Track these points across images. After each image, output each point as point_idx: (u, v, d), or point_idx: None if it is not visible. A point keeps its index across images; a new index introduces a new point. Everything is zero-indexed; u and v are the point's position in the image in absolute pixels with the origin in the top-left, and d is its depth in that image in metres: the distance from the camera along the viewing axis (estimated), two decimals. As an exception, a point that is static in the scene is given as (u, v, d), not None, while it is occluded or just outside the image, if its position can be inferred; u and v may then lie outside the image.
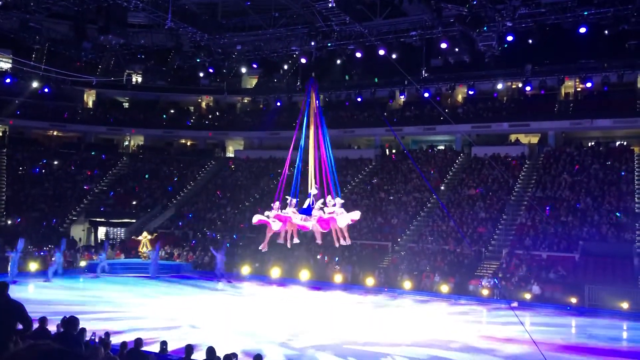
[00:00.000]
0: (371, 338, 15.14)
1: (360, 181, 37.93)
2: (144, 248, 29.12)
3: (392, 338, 15.19)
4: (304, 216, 13.32)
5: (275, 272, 26.68)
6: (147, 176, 41.84)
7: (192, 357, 9.09)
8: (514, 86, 38.48)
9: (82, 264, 28.10)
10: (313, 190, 13.85)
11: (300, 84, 40.07)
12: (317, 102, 14.32)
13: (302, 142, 14.32)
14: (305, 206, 13.64)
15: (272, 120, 43.40)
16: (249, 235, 32.96)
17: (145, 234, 29.84)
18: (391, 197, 34.20)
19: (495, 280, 23.63)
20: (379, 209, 33.25)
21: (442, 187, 34.20)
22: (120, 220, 37.13)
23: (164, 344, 9.86)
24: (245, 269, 28.14)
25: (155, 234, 30.63)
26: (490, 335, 16.17)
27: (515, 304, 21.74)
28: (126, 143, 47.66)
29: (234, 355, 8.68)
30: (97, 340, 9.44)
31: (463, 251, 27.08)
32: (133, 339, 9.38)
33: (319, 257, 28.18)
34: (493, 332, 16.64)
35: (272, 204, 13.75)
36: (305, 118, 14.00)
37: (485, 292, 23.48)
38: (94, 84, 38.43)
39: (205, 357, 8.63)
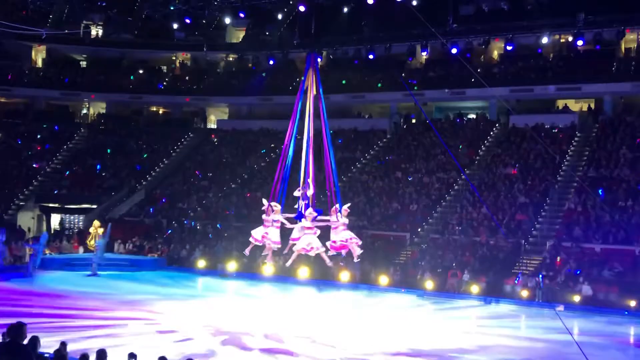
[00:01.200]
0: (394, 347, 15.28)
1: (372, 158, 37.89)
2: (93, 241, 29.15)
3: (406, 348, 15.31)
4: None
5: (268, 269, 26.80)
6: (110, 152, 41.81)
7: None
8: (562, 40, 38.16)
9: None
10: (308, 189, 14.86)
11: (298, 38, 39.83)
12: (318, 83, 14.84)
13: (303, 135, 15.00)
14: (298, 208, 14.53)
15: (264, 82, 43.23)
16: (235, 224, 33.07)
17: (96, 223, 29.85)
18: (410, 178, 34.19)
19: (539, 277, 23.73)
20: (395, 193, 33.28)
21: (473, 165, 34.11)
22: (77, 206, 37.24)
23: (132, 355, 9.94)
24: (232, 265, 28.31)
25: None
26: (530, 347, 16.27)
27: (561, 308, 21.86)
28: (84, 111, 47.57)
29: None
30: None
31: (498, 244, 27.13)
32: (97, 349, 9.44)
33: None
34: (533, 343, 16.74)
35: (266, 208, 14.64)
36: (306, 99, 14.51)
37: (524, 293, 23.60)
38: (44, 38, 38.17)
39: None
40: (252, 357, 14.09)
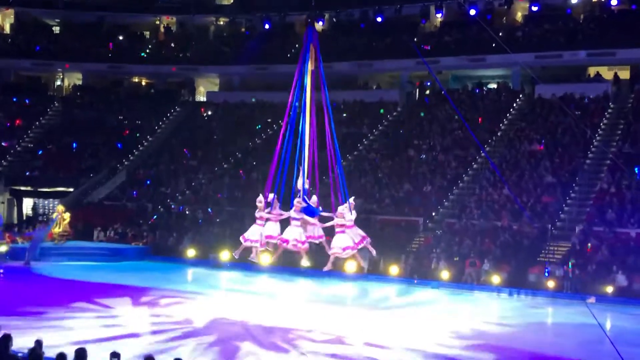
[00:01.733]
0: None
1: (381, 133, 37.79)
2: (57, 228, 29.11)
3: (423, 346, 15.35)
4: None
5: (265, 258, 26.72)
6: (87, 128, 41.70)
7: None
8: (594, -1, 37.91)
9: (2, 248, 28.31)
10: (303, 183, 15.37)
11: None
12: (319, 63, 15.25)
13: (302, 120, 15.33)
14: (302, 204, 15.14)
15: (259, 49, 42.94)
16: (227, 208, 33.05)
17: (59, 208, 29.76)
18: (423, 156, 34.10)
19: (569, 265, 23.70)
20: (407, 173, 33.20)
21: (494, 141, 33.98)
22: (52, 190, 37.24)
23: (114, 354, 9.92)
24: (225, 255, 28.32)
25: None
26: (558, 342, 16.26)
27: (592, 300, 21.84)
28: (58, 83, 47.39)
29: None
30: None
31: (521, 229, 27.09)
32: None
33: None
34: (561, 339, 16.74)
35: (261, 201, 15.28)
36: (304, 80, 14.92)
37: (551, 283, 23.60)
38: (12, 1, 37.95)
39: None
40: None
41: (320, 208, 15.83)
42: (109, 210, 35.03)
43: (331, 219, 15.31)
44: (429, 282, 25.22)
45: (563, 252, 25.73)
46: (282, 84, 41.79)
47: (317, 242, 15.88)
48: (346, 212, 15.16)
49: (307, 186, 15.63)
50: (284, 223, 15.26)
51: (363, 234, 15.93)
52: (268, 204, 15.49)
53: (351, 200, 15.25)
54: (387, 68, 41.56)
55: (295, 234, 15.33)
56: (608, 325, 18.82)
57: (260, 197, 15.90)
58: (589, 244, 25.42)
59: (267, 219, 15.74)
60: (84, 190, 37.17)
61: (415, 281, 25.48)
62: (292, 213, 15.50)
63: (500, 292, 23.99)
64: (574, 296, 22.41)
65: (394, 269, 25.93)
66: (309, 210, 15.55)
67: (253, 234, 15.87)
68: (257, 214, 16.11)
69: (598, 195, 28.33)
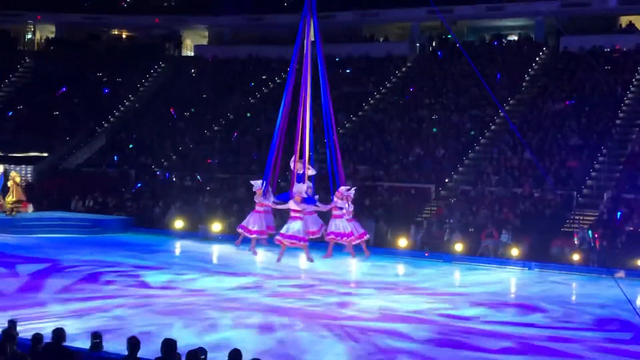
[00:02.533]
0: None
1: (389, 92, 37.64)
2: (11, 197, 28.71)
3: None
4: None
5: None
6: (64, 88, 41.57)
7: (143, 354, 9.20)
8: None
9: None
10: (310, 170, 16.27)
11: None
12: (315, 32, 15.95)
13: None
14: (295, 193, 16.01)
15: (252, -3, 42.68)
16: (219, 175, 33.04)
17: (13, 174, 29.41)
18: (435, 117, 33.98)
19: (588, 235, 23.74)
20: (417, 135, 33.13)
21: (514, 100, 33.83)
22: (24, 155, 37.21)
23: (96, 336, 9.98)
24: (216, 226, 28.38)
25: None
26: (583, 321, 16.35)
27: (621, 274, 21.88)
28: (29, 36, 47.06)
29: (202, 350, 8.85)
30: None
31: (544, 197, 27.10)
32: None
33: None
34: (587, 317, 16.82)
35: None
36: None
37: (575, 256, 23.64)
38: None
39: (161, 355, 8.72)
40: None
41: (317, 197, 16.77)
42: (88, 177, 35.05)
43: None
44: (441, 256, 25.25)
45: (590, 222, 25.78)
46: (278, 37, 41.96)
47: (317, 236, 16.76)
48: (340, 200, 15.99)
49: (311, 172, 16.45)
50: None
51: (362, 230, 16.74)
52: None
53: (344, 190, 16.07)
54: (395, 18, 41.32)
55: (295, 229, 16.04)
56: (639, 302, 18.87)
57: (258, 183, 16.52)
58: (619, 213, 25.43)
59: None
60: (60, 155, 37.16)
61: (427, 254, 25.53)
62: (291, 204, 16.23)
63: (520, 266, 24.03)
64: (601, 270, 22.46)
65: (402, 242, 25.97)
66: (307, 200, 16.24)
67: (253, 224, 16.55)
68: (256, 200, 16.60)
69: (629, 159, 28.29)
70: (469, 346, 13.81)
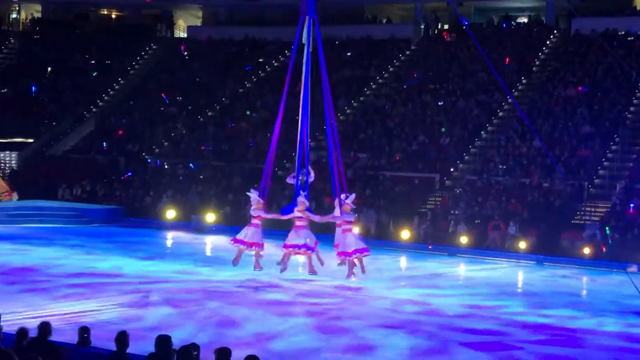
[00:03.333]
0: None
1: (392, 76, 37.63)
2: None
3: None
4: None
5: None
6: (48, 69, 41.56)
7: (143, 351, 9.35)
8: None
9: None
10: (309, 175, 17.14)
11: None
12: (317, 36, 17.07)
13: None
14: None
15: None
16: (213, 163, 33.14)
17: None
18: (441, 103, 34.03)
19: (596, 229, 23.89)
20: (422, 121, 33.18)
21: (523, 85, 33.87)
22: (9, 140, 37.23)
23: (84, 331, 10.11)
24: (210, 217, 28.51)
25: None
26: (593, 316, 16.48)
27: (633, 269, 22.04)
28: (14, 15, 46.95)
29: (194, 346, 8.99)
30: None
31: (554, 187, 27.20)
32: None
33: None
34: (597, 313, 16.93)
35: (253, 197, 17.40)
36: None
37: (586, 250, 23.80)
38: None
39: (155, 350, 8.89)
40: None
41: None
42: (75, 164, 35.09)
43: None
44: (445, 249, 25.40)
45: (601, 214, 25.89)
46: (276, 18, 41.96)
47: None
48: (340, 208, 16.98)
49: (310, 178, 17.32)
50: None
51: (363, 245, 17.66)
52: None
53: (349, 199, 17.13)
54: (399, -2, 41.26)
55: (301, 239, 16.88)
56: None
57: (254, 195, 17.04)
58: (632, 204, 25.55)
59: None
60: (46, 141, 37.18)
61: (430, 247, 25.67)
62: (295, 213, 17.01)
63: (527, 260, 24.19)
64: (612, 264, 22.62)
65: (405, 234, 26.09)
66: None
67: (249, 237, 17.29)
68: (254, 213, 17.00)
69: (643, 149, 28.40)
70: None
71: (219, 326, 14.43)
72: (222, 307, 16.11)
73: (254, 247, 17.44)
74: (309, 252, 17.26)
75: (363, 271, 17.75)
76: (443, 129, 32.26)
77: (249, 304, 16.50)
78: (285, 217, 17.88)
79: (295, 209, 17.23)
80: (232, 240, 17.97)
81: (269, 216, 17.71)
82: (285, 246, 17.38)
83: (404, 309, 16.61)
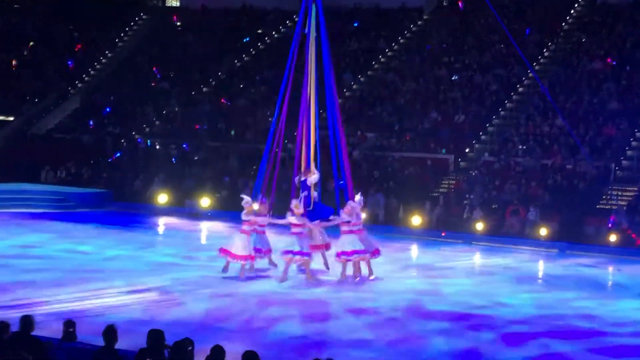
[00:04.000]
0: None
1: (402, 48, 37.49)
2: None
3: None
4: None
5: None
6: (29, 42, 41.45)
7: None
8: None
9: None
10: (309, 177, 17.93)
11: None
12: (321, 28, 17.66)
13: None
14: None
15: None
16: (209, 143, 33.08)
17: None
18: (455, 77, 33.92)
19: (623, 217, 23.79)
20: (434, 97, 33.08)
21: (546, 58, 33.73)
22: (-12, 118, 37.30)
23: (69, 324, 10.07)
24: (205, 201, 28.49)
25: None
26: (618, 311, 16.43)
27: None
28: (-9, -17, 46.79)
29: (189, 341, 8.98)
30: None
31: (578, 169, 27.12)
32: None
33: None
34: (621, 308, 16.90)
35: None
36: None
37: (612, 237, 23.72)
38: None
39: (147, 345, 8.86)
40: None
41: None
42: (60, 144, 35.07)
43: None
44: (460, 236, 25.36)
45: (629, 198, 25.84)
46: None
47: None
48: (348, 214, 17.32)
49: (315, 178, 17.97)
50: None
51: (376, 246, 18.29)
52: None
53: (355, 204, 17.60)
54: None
55: (298, 245, 17.03)
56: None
57: (247, 199, 17.18)
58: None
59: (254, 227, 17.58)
60: (28, 119, 37.14)
61: (443, 234, 25.63)
62: (290, 219, 17.21)
63: (549, 248, 24.12)
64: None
65: (416, 220, 26.04)
66: (316, 213, 17.70)
67: (238, 248, 17.30)
68: (245, 217, 17.03)
69: (675, 127, 28.30)
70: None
71: (213, 319, 14.41)
72: (216, 297, 16.12)
73: (237, 260, 17.47)
74: (305, 257, 17.28)
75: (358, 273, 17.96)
76: (455, 77, 32.23)
77: (243, 294, 16.55)
78: (280, 222, 18.11)
79: (288, 214, 17.52)
80: (219, 250, 17.98)
81: (256, 220, 17.71)
82: (283, 253, 17.49)
83: (413, 299, 16.56)
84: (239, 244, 17.48)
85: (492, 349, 13.24)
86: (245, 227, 17.66)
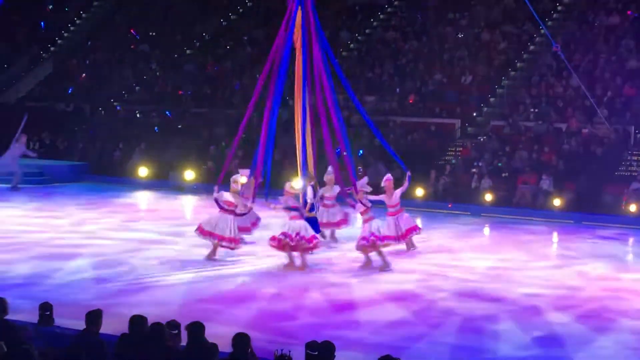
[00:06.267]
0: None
1: (403, 3, 37.27)
2: None
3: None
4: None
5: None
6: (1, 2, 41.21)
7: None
8: None
9: None
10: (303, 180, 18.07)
11: None
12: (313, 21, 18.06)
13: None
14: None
15: None
16: (193, 110, 33.05)
17: None
18: (460, 35, 33.81)
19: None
20: (438, 58, 33.00)
21: (558, 13, 33.59)
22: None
23: (46, 308, 10.15)
24: (189, 174, 28.50)
25: None
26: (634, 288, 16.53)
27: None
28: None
29: (173, 324, 9.12)
30: None
31: (594, 133, 27.15)
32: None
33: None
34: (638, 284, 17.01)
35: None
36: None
37: (632, 207, 23.79)
38: None
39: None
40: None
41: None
42: (32, 113, 34.93)
43: None
44: (467, 207, 25.47)
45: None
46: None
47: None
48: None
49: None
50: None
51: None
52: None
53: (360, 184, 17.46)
54: None
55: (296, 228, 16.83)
56: None
57: (236, 177, 17.81)
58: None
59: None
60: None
61: (450, 205, 25.72)
62: (286, 202, 17.34)
63: (564, 219, 24.20)
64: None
65: (419, 191, 26.09)
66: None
67: (219, 227, 17.26)
68: (229, 197, 17.35)
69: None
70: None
71: (208, 302, 14.50)
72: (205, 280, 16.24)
73: (210, 238, 17.37)
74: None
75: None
76: (460, 35, 32.33)
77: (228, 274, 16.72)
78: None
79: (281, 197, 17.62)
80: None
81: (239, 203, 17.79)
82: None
83: (417, 279, 16.69)
84: (212, 220, 17.51)
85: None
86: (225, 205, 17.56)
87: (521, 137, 28.06)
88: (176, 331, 9.04)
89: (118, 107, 34.87)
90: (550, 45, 30.36)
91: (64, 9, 41.46)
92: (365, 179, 18.13)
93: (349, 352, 10.84)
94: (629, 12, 31.94)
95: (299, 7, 18.15)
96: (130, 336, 8.99)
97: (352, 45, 35.23)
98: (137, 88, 35.99)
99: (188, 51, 37.62)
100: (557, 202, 24.61)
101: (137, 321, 9.11)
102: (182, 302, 14.28)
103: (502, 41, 32.91)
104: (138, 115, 34.22)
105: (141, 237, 20.39)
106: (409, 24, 35.60)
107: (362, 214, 17.31)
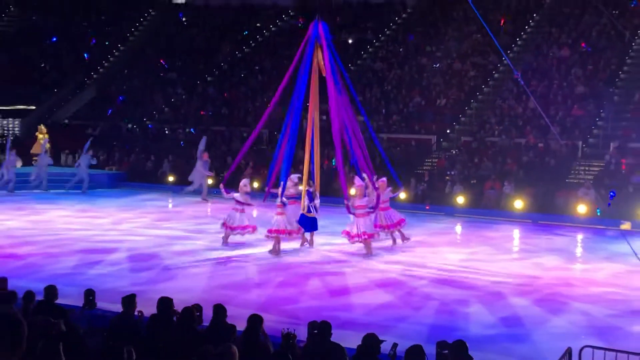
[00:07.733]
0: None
1: (388, 39, 37.35)
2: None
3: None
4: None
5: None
6: (54, 39, 41.23)
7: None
8: None
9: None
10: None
11: None
12: (326, 54, 17.93)
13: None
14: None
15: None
16: (213, 127, 33.03)
17: (41, 128, 29.79)
18: (437, 65, 33.78)
19: (611, 193, 23.66)
20: (418, 83, 32.99)
21: (518, 46, 33.62)
22: (11, 107, 37.02)
23: (89, 293, 10.08)
24: (210, 181, 28.39)
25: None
26: (589, 279, 16.44)
27: (626, 226, 21.99)
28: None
29: (197, 307, 9.02)
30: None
31: (548, 147, 27.11)
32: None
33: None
34: (591, 274, 16.90)
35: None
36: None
37: (581, 208, 23.70)
38: None
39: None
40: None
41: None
42: (78, 130, 34.97)
43: None
44: (442, 208, 25.41)
45: (595, 173, 25.84)
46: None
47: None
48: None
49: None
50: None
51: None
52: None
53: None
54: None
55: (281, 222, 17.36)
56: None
57: (244, 182, 18.26)
58: (625, 162, 25.47)
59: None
60: (48, 108, 37.02)
61: (428, 207, 25.64)
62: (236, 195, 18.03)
63: (523, 219, 24.16)
64: (606, 222, 22.56)
65: (402, 194, 25.93)
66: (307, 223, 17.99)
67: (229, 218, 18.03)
68: (240, 197, 18.09)
69: (637, 107, 28.24)
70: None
71: (225, 288, 14.40)
72: (223, 270, 16.11)
73: (236, 231, 18.09)
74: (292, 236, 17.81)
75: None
76: (436, 65, 32.17)
77: (257, 267, 16.52)
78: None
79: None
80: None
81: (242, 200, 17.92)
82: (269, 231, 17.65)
83: (401, 269, 16.57)
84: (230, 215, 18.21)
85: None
86: (237, 205, 18.31)
87: (487, 150, 28.01)
88: (198, 313, 9.00)
89: (150, 126, 34.81)
90: (512, 74, 30.48)
91: (105, 42, 41.42)
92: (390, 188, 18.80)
93: (344, 331, 10.75)
94: (582, 45, 31.89)
95: (316, 38, 18.24)
96: (158, 316, 8.94)
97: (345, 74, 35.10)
98: (165, 109, 35.95)
99: (209, 78, 37.63)
100: (518, 204, 24.52)
101: (164, 303, 9.07)
102: (203, 289, 14.23)
103: (471, 70, 32.93)
104: (167, 132, 34.17)
105: (169, 234, 20.34)
106: (393, 56, 35.64)
107: (358, 208, 17.58)
